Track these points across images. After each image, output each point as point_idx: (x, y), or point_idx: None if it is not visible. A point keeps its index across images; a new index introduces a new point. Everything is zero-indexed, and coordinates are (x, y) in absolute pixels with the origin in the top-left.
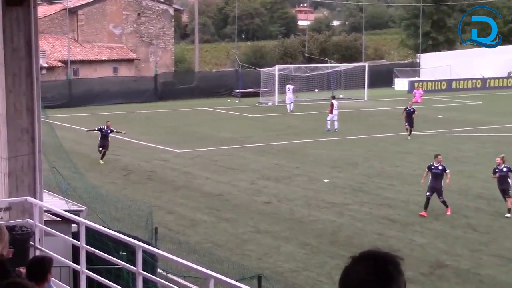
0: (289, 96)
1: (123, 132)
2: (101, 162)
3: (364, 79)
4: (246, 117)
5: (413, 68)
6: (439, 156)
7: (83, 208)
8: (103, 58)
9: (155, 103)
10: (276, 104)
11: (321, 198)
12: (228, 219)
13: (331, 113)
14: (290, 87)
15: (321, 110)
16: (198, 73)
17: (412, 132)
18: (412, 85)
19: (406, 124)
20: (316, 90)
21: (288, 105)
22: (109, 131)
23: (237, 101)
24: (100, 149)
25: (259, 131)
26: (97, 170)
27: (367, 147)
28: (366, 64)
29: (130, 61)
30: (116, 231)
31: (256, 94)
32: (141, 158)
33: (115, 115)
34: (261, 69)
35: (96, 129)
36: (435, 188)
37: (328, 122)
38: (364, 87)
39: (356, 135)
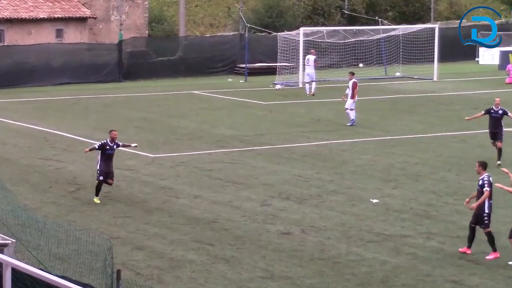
0: (309, 71)
1: (134, 145)
2: (97, 200)
3: (433, 48)
4: (255, 105)
5: (508, 32)
6: (497, 99)
7: (9, 241)
8: (41, 16)
9: (119, 84)
10: (301, 86)
11: (367, 227)
12: (227, 258)
13: (354, 97)
14: (310, 57)
15: (366, 96)
16: (184, 39)
17: (501, 149)
18: (505, 57)
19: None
20: (360, 65)
21: (307, 85)
22: (115, 147)
23: (241, 81)
24: (101, 179)
25: (275, 126)
26: (30, 184)
27: (437, 150)
28: (436, 26)
29: (81, 20)
30: (58, 276)
31: (270, 71)
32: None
33: (59, 102)
34: (278, 33)
35: (97, 146)
36: (494, 133)
37: (350, 111)
38: (432, 61)
39: (419, 133)
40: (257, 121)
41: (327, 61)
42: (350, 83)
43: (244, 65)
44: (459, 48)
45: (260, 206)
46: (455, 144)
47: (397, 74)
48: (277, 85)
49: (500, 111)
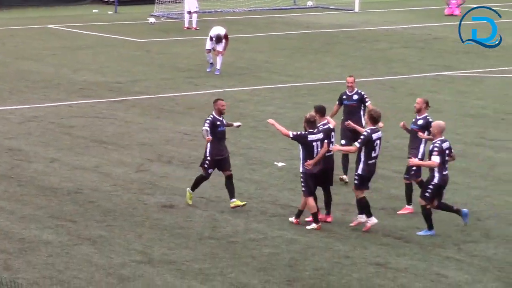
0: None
1: (236, 124)
2: (189, 201)
3: None
4: (128, 43)
5: None
6: (350, 78)
7: None
8: None
9: None
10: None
11: (270, 197)
12: (93, 238)
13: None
14: None
15: (270, 31)
16: None
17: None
18: None
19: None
20: None
21: (187, 17)
22: (224, 121)
23: (110, 12)
24: (210, 171)
25: (153, 70)
26: None
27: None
28: None
29: None
30: None
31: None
32: None
33: None
34: None
35: (207, 127)
36: (347, 130)
37: (210, 55)
38: None
39: (336, 78)
40: (131, 64)
41: None
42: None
43: None
44: None
45: (135, 172)
46: (381, 92)
47: (309, 3)
48: (151, 19)
49: (356, 96)
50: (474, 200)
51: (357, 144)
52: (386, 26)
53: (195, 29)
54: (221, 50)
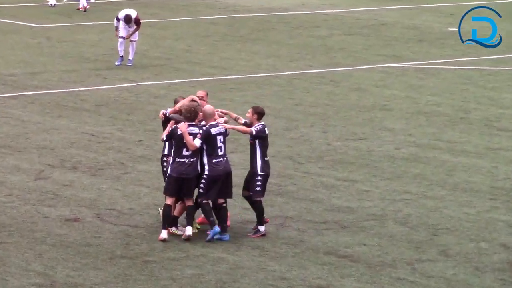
0: None
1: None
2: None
3: None
4: (24, 29)
5: None
6: None
7: None
8: None
9: None
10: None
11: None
12: None
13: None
14: None
15: (182, 15)
16: None
17: None
18: None
19: None
20: None
21: None
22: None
23: None
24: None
25: (55, 61)
26: None
27: (294, 96)
28: None
29: None
30: None
31: None
32: None
33: None
34: None
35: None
36: None
37: (122, 42)
38: None
39: (268, 70)
40: (28, 54)
41: None
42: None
43: None
44: None
45: (34, 180)
46: (321, 87)
47: None
48: (51, 0)
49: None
50: (430, 212)
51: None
52: (325, 9)
53: (84, 9)
54: (134, 39)
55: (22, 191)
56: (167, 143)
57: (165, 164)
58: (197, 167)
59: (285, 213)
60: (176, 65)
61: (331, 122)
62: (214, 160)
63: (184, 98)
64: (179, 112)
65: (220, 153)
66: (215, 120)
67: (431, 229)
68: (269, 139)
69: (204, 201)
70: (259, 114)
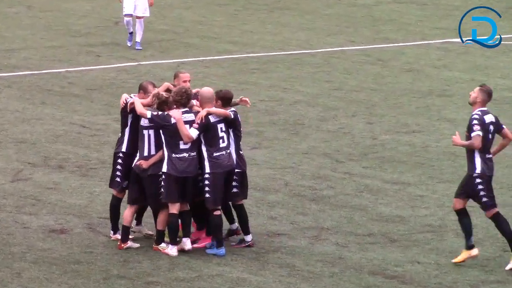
0: None
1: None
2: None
3: None
4: None
5: None
6: None
7: None
8: None
9: None
10: None
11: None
12: None
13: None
14: None
15: None
16: None
17: None
18: None
19: None
20: None
21: None
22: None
23: None
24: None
25: (38, 36)
26: None
27: (334, 77)
28: None
29: None
30: None
31: None
32: None
33: None
34: None
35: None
36: None
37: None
38: None
39: (301, 46)
40: (5, 26)
41: None
42: None
43: None
44: None
45: (10, 182)
46: (365, 68)
47: None
48: None
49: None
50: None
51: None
52: None
53: None
54: (143, 15)
55: None
56: (126, 135)
57: (119, 161)
58: (197, 164)
59: (321, 223)
60: (186, 40)
61: (378, 111)
62: (215, 154)
63: (153, 85)
64: (151, 105)
65: (222, 144)
66: (211, 106)
67: (500, 244)
68: (302, 131)
69: (216, 213)
70: (223, 99)
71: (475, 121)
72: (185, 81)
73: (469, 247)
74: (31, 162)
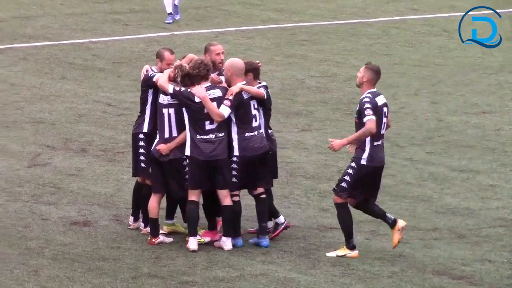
0: None
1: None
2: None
3: None
4: None
5: None
6: None
7: None
8: None
9: None
10: None
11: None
12: None
13: None
14: None
15: None
16: None
17: None
18: None
19: None
20: None
21: None
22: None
23: None
24: None
25: (57, 1)
26: None
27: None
28: None
29: None
30: None
31: None
32: None
33: None
34: None
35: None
36: None
37: None
38: None
39: (368, 15)
40: None
41: None
42: None
43: None
44: None
45: (27, 168)
46: (429, 39)
47: None
48: None
49: None
50: None
51: None
52: None
53: None
54: None
55: (11, 183)
56: (147, 113)
57: (141, 144)
58: (226, 146)
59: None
60: (226, 7)
61: (444, 89)
62: (247, 134)
63: (171, 52)
64: (173, 79)
65: (255, 124)
66: (241, 80)
67: None
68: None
69: (235, 198)
70: (255, 71)
71: (367, 105)
72: (217, 54)
73: None
74: (50, 145)
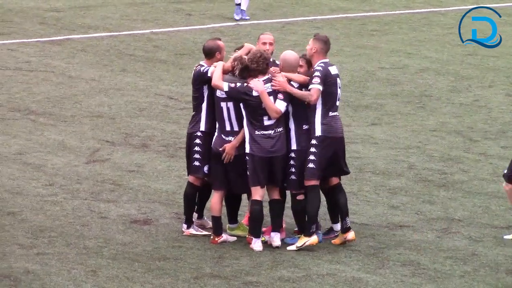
0: None
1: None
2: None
3: None
4: None
5: None
6: None
7: None
8: None
9: None
10: None
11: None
12: (14, 275)
13: None
14: None
15: None
16: None
17: None
18: None
19: None
20: None
21: None
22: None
23: None
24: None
25: None
26: None
27: None
28: None
29: None
30: None
31: None
32: None
33: None
34: None
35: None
36: None
37: None
38: None
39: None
40: None
41: None
42: None
43: None
44: None
45: (85, 164)
46: (506, 29)
47: None
48: None
49: None
50: None
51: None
52: None
53: None
54: None
55: (69, 180)
56: (203, 110)
57: (197, 142)
58: (285, 140)
59: (451, 213)
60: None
61: None
62: (304, 127)
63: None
64: (232, 71)
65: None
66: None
67: None
68: (429, 104)
69: (300, 197)
70: (309, 62)
71: (316, 73)
72: (264, 44)
73: None
74: (110, 140)
